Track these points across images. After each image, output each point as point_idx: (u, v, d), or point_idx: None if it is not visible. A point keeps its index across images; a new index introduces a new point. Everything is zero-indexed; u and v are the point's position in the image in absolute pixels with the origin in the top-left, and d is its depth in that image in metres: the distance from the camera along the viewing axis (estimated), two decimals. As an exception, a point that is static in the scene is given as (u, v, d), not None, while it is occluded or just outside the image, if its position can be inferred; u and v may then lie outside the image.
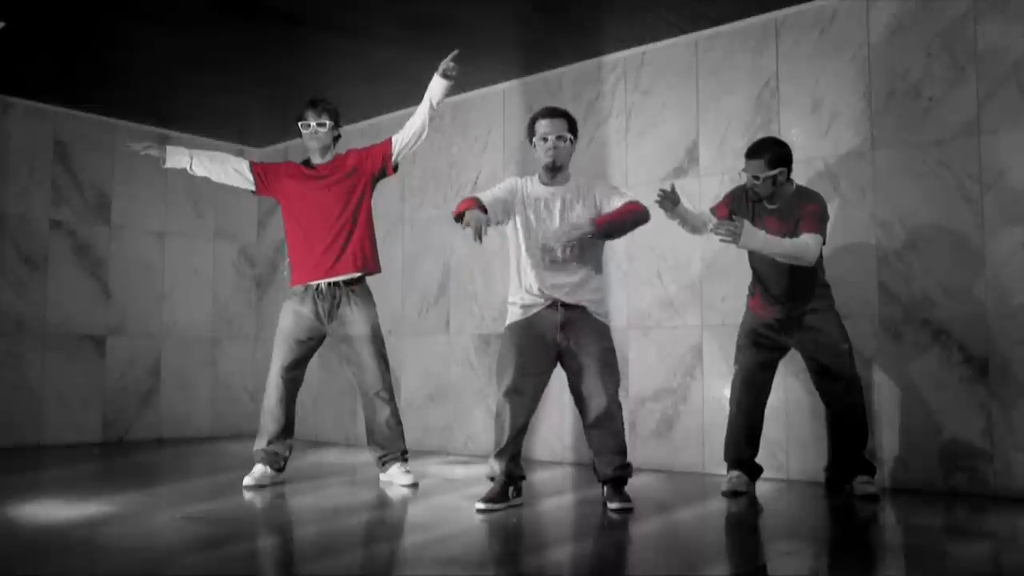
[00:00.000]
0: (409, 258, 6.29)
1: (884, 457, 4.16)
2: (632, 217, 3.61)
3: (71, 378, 6.24)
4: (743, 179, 3.95)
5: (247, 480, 4.18)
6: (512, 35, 5.05)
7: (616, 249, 5.15)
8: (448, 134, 6.10)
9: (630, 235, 5.04)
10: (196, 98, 6.12)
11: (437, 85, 4.14)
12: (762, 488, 4.17)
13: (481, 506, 3.54)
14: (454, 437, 5.82)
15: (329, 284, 4.24)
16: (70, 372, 6.24)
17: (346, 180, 4.28)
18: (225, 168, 4.33)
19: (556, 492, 4.10)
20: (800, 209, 3.85)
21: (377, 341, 4.29)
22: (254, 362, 7.23)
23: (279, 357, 4.29)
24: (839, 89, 4.45)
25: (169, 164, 4.29)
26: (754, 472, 4.11)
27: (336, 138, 4.37)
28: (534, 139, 3.66)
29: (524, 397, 3.61)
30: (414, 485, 4.20)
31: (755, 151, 3.89)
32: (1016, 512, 3.56)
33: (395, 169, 4.38)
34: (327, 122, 4.27)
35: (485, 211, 3.47)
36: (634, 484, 4.28)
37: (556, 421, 5.33)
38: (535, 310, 3.62)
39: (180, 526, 3.44)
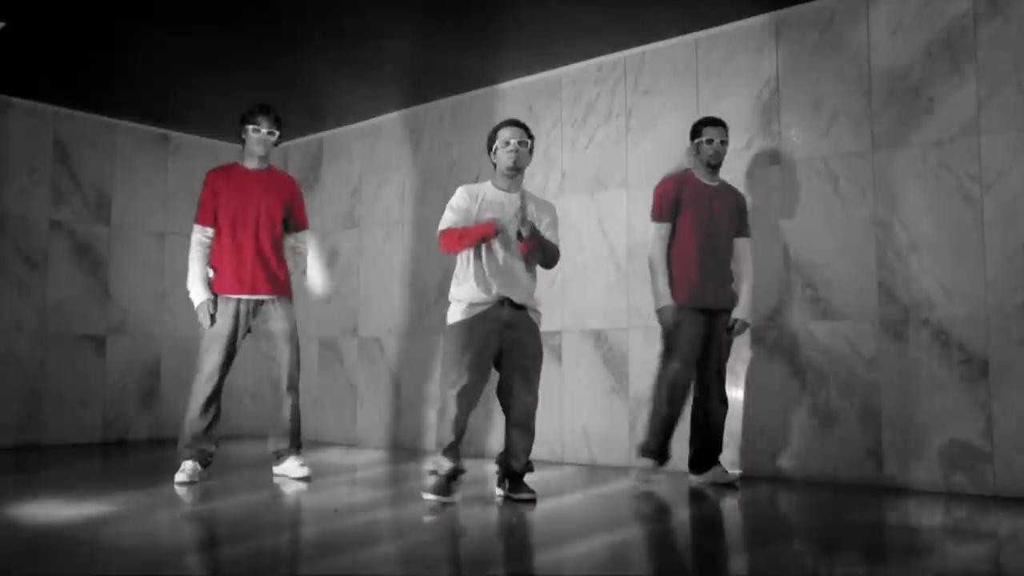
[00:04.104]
0: (409, 258, 6.29)
1: (884, 457, 4.16)
2: (551, 255, 3.88)
3: (71, 378, 6.24)
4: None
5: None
6: (512, 35, 5.05)
7: (616, 249, 5.16)
8: (448, 135, 6.10)
9: (632, 234, 5.07)
10: (196, 98, 6.12)
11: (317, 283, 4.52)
12: (762, 488, 4.18)
13: (429, 497, 3.70)
14: (454, 437, 5.81)
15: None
16: (70, 372, 6.24)
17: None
18: (206, 252, 4.46)
19: (556, 492, 4.11)
20: (738, 194, 4.42)
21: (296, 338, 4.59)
22: (254, 362, 7.22)
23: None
24: (839, 89, 4.45)
25: (205, 294, 4.41)
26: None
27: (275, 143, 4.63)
28: (495, 145, 3.88)
29: (471, 397, 3.76)
30: (308, 478, 4.43)
31: (716, 120, 4.32)
32: (1016, 512, 3.56)
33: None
34: (276, 132, 4.52)
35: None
36: (634, 484, 4.28)
37: (556, 422, 5.34)
38: (482, 308, 3.75)
39: (180, 526, 3.44)
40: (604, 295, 5.20)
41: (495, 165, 3.91)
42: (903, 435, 4.12)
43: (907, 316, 4.16)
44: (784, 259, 4.54)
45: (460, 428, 3.73)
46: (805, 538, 3.23)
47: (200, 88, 5.89)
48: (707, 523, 3.66)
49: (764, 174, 4.66)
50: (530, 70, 5.60)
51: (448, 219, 3.85)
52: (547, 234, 3.86)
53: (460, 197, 3.87)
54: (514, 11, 4.69)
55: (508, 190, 3.87)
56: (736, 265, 4.34)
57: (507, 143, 3.83)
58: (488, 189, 3.90)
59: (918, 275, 4.15)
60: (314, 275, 4.54)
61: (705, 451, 4.28)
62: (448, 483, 3.74)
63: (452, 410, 3.70)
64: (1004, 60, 3.98)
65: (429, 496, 3.69)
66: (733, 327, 4.29)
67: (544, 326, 5.45)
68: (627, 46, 5.19)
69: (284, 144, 7.16)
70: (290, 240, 4.63)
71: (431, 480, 3.75)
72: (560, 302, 5.42)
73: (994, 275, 3.95)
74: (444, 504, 3.67)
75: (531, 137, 3.90)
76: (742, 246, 4.35)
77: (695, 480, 4.31)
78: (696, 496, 4.06)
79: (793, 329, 4.48)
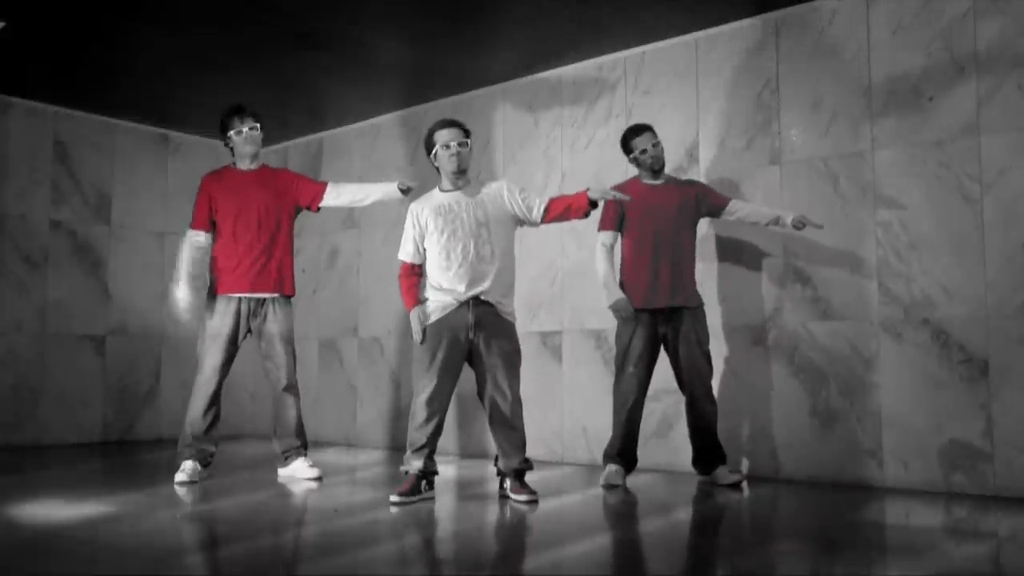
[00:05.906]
0: (409, 258, 6.28)
1: (884, 457, 4.16)
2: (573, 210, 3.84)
3: (71, 378, 6.24)
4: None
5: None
6: (512, 35, 5.05)
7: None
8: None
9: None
10: (196, 98, 6.12)
11: (392, 195, 4.44)
12: (762, 488, 4.18)
13: (396, 499, 3.70)
14: (453, 437, 5.81)
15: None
16: (70, 372, 6.24)
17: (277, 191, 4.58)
18: (196, 255, 4.58)
19: (556, 492, 4.10)
20: (689, 185, 4.36)
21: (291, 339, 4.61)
22: (254, 362, 7.21)
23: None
24: (839, 89, 4.45)
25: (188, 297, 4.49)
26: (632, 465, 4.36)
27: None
28: (435, 150, 3.86)
29: (443, 399, 3.79)
30: (319, 478, 4.45)
31: (644, 127, 4.33)
32: (1016, 512, 3.56)
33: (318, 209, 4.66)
34: (258, 124, 4.51)
35: (422, 300, 3.82)
36: (634, 484, 4.29)
37: (556, 422, 5.34)
38: (449, 310, 3.77)
39: (180, 526, 3.44)
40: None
41: (438, 169, 3.92)
42: (903, 435, 4.12)
43: (907, 316, 4.16)
44: (784, 259, 4.54)
45: (430, 432, 3.77)
46: (805, 538, 3.23)
47: (200, 88, 5.89)
48: (706, 523, 3.65)
49: (764, 174, 4.66)
50: (530, 70, 5.60)
51: (404, 249, 3.93)
52: (532, 199, 3.85)
53: (407, 224, 3.93)
54: (514, 11, 4.69)
55: (453, 189, 3.90)
56: (746, 209, 4.30)
57: (447, 146, 3.83)
58: (434, 196, 3.93)
59: (918, 275, 4.14)
60: (372, 190, 4.54)
61: (705, 450, 4.28)
62: (418, 483, 3.78)
63: (421, 415, 3.77)
64: (1004, 60, 3.98)
65: (393, 498, 3.71)
66: (800, 226, 4.15)
67: (544, 326, 5.46)
68: (627, 46, 5.19)
69: (284, 144, 7.17)
70: (329, 202, 4.56)
71: (403, 479, 3.83)
72: (560, 302, 5.42)
73: (994, 275, 3.95)
74: (406, 504, 3.70)
75: (468, 135, 3.89)
76: (732, 207, 4.30)
77: (701, 478, 4.37)
78: (696, 496, 4.06)
79: (793, 329, 4.48)
